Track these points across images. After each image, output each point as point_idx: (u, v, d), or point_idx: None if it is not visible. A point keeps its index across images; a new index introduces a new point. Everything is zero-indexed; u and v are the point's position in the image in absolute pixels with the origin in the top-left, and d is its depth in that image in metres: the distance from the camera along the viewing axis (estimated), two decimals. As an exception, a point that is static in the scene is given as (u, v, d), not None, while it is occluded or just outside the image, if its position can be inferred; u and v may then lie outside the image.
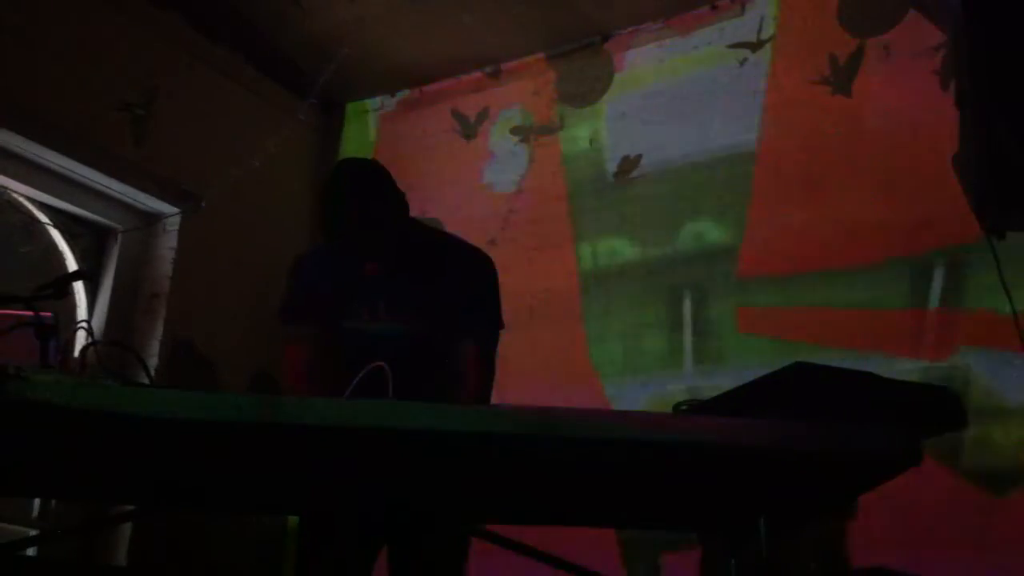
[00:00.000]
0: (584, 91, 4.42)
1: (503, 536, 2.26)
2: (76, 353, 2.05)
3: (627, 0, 4.21)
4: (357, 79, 4.70)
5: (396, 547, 2.64)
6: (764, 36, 4.05)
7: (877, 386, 2.04)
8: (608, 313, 4.08)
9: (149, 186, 4.14)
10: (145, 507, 2.86)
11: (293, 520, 4.13)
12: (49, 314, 2.01)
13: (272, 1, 4.28)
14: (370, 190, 2.64)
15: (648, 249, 4.07)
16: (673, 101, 4.18)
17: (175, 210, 4.22)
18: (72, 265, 3.98)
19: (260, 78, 4.61)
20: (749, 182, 3.92)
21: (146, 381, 2.33)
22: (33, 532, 3.57)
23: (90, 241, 4.12)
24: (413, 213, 2.81)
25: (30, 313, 2.00)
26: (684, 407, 2.06)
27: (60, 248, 4.00)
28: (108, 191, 4.08)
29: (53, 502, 3.62)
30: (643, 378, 3.90)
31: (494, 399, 2.75)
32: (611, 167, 4.24)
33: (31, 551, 3.18)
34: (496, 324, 2.77)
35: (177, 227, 4.20)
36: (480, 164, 4.58)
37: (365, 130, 4.94)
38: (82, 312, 3.97)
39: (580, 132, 4.37)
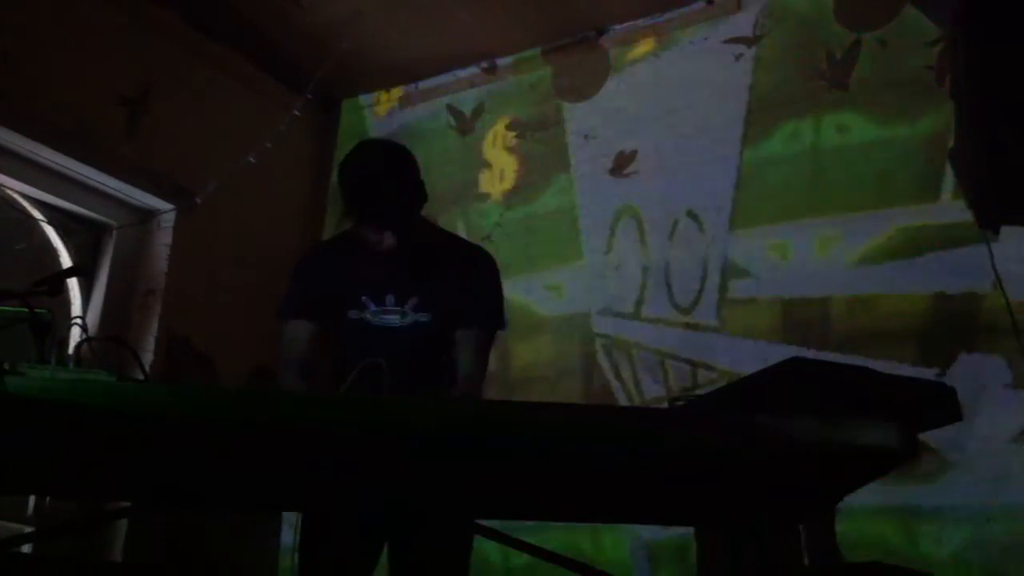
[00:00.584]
0: (580, 86, 4.41)
1: (502, 533, 2.26)
2: (71, 349, 2.05)
3: (623, -5, 4.22)
4: (353, 75, 4.69)
5: (396, 545, 2.64)
6: (760, 32, 4.04)
7: (873, 381, 2.04)
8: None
9: (144, 182, 4.14)
10: (142, 505, 2.86)
11: (291, 517, 4.14)
12: (45, 310, 2.01)
13: (269, -3, 4.27)
14: (399, 175, 2.69)
15: (645, 245, 4.07)
16: (669, 96, 4.18)
17: (170, 206, 4.22)
18: (67, 261, 3.98)
19: (257, 74, 4.61)
20: (745, 178, 3.92)
21: (141, 377, 2.33)
22: (28, 529, 3.56)
23: (85, 237, 4.12)
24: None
25: (25, 309, 2.00)
26: (681, 402, 2.07)
27: (55, 244, 4.00)
28: (103, 187, 4.07)
29: (48, 499, 3.61)
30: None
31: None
32: (607, 162, 4.24)
33: (26, 548, 3.18)
34: (495, 316, 2.81)
35: (172, 223, 4.21)
36: (476, 160, 4.58)
37: (361, 126, 4.93)
38: (77, 308, 3.96)
39: (576, 127, 4.37)
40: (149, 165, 4.11)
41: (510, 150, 4.50)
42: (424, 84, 4.80)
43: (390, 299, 2.73)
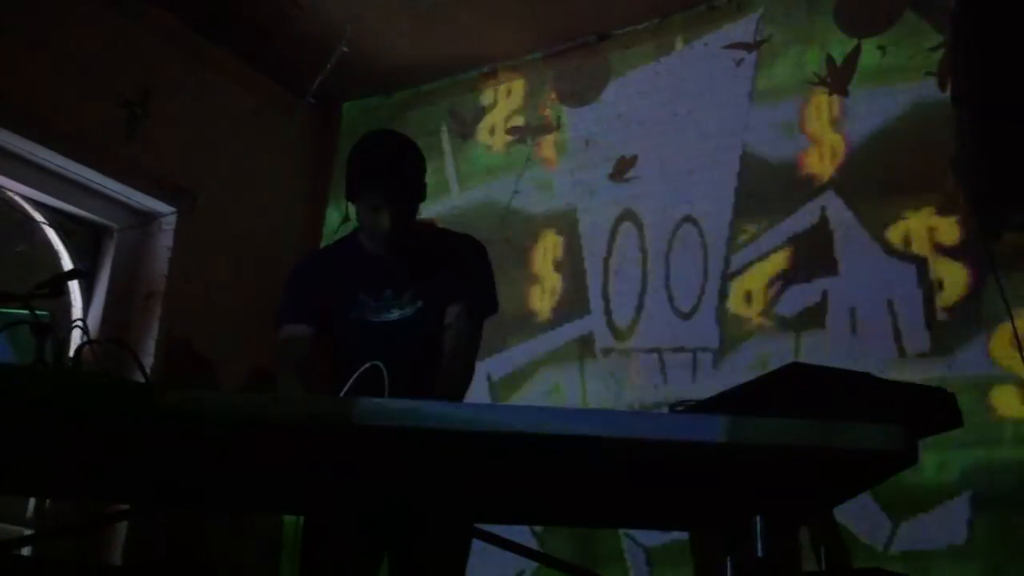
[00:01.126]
0: (581, 91, 4.41)
1: (501, 536, 2.26)
2: (72, 352, 2.05)
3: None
4: (354, 79, 4.69)
5: (396, 547, 2.64)
6: (760, 37, 4.05)
7: (873, 386, 2.05)
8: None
9: (145, 185, 4.13)
10: (143, 506, 2.86)
11: (291, 519, 4.14)
12: (45, 312, 2.01)
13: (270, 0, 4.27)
14: (407, 160, 2.74)
15: (645, 249, 4.07)
16: (669, 101, 4.18)
17: (171, 209, 4.22)
18: (68, 264, 3.98)
19: (257, 77, 4.61)
20: (745, 182, 3.93)
21: (142, 379, 2.33)
22: (28, 531, 3.56)
23: (86, 240, 4.12)
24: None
25: (26, 311, 2.00)
26: (680, 407, 2.07)
27: (55, 247, 4.00)
28: (104, 190, 4.07)
29: (48, 501, 3.61)
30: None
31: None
32: (607, 167, 4.24)
33: (26, 550, 3.18)
34: (485, 298, 2.83)
35: (173, 226, 4.20)
36: (477, 164, 4.58)
37: (362, 129, 4.91)
38: (78, 311, 3.96)
39: (576, 132, 4.37)
40: (150, 167, 4.12)
41: (510, 154, 4.49)
42: (425, 88, 4.80)
43: (388, 295, 2.75)
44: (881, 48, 3.77)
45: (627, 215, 4.15)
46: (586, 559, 3.63)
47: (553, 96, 4.48)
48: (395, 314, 2.74)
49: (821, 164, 3.79)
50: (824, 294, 3.65)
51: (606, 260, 4.14)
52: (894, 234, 3.58)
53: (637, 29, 4.33)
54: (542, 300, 4.23)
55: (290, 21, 4.32)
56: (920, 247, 3.53)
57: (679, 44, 4.23)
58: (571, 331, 4.12)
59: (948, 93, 3.02)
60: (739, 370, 3.58)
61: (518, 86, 4.58)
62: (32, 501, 3.62)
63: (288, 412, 1.74)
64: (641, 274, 4.04)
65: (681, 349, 3.86)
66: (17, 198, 3.89)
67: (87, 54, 3.90)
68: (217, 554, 4.03)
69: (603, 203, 4.21)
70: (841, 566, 2.59)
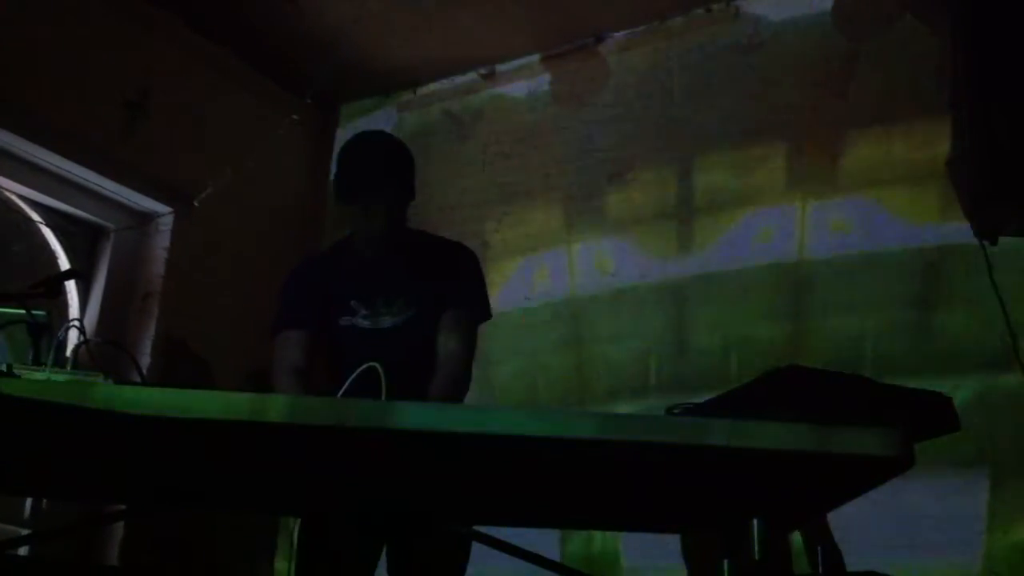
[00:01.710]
0: (578, 93, 4.42)
1: (499, 539, 2.25)
2: (68, 352, 2.05)
3: (621, 2, 4.21)
4: (353, 80, 4.70)
5: (395, 548, 2.65)
6: (757, 41, 4.05)
7: (870, 390, 2.05)
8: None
9: (142, 185, 4.13)
10: (140, 507, 2.86)
11: (289, 520, 4.13)
12: (42, 312, 2.01)
13: (269, 0, 4.27)
14: (396, 161, 2.75)
15: (644, 251, 4.08)
16: (667, 104, 4.18)
17: (168, 209, 4.21)
18: (64, 264, 3.98)
19: (256, 77, 4.61)
20: (743, 185, 3.93)
21: (138, 380, 2.32)
22: (25, 532, 3.56)
23: (83, 240, 4.11)
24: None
25: (23, 311, 2.00)
26: (677, 410, 2.07)
27: (53, 247, 3.99)
28: (101, 190, 4.07)
29: (44, 501, 3.61)
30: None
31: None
32: (606, 169, 4.24)
33: (23, 551, 3.17)
34: (478, 304, 2.83)
35: (170, 226, 4.20)
36: (475, 166, 4.58)
37: (361, 130, 4.91)
38: (74, 311, 3.96)
39: (574, 134, 4.37)
40: (148, 168, 4.11)
41: (508, 156, 4.49)
42: (423, 89, 4.80)
43: (380, 302, 2.75)
44: (880, 52, 3.78)
45: (624, 218, 4.16)
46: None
47: (551, 98, 4.48)
48: (387, 322, 2.74)
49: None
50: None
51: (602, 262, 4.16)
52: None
53: (634, 32, 4.33)
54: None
55: (290, 21, 4.32)
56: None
57: (676, 47, 4.22)
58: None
59: (945, 96, 3.03)
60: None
61: (516, 88, 4.58)
62: (29, 501, 3.61)
63: (284, 414, 1.74)
64: (638, 277, 4.05)
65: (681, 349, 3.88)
66: (14, 198, 3.89)
67: (86, 54, 3.90)
68: (215, 554, 4.02)
69: (602, 204, 4.22)
70: (836, 567, 2.60)
